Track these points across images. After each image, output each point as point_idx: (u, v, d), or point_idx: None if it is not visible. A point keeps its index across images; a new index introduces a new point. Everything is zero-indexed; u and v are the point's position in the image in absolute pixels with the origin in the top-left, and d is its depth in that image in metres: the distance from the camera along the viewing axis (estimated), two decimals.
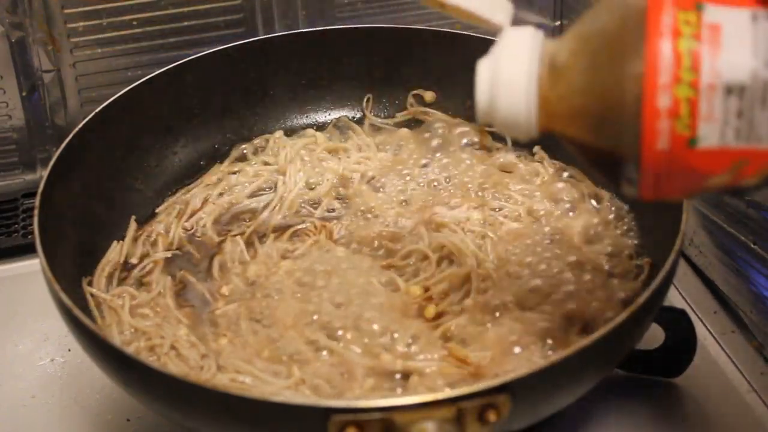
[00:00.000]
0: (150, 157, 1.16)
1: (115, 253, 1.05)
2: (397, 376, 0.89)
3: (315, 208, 1.12)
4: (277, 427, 0.76)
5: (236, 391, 0.77)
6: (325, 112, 1.28)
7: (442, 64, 1.25)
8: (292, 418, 0.74)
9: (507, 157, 1.19)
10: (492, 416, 0.72)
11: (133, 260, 1.05)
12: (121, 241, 1.07)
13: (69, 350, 1.08)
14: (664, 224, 0.93)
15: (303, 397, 0.85)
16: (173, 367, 0.90)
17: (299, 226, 1.09)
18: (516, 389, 0.73)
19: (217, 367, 0.90)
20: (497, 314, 0.95)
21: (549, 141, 1.16)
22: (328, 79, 1.27)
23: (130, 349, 0.90)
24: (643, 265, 0.99)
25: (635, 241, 1.03)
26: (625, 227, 1.05)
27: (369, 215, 1.10)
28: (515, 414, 0.74)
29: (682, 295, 1.14)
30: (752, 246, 1.06)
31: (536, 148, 1.18)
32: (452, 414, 0.71)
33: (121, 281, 1.02)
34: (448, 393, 0.72)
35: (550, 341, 0.92)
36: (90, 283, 1.00)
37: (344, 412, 0.72)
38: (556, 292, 0.97)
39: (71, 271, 0.98)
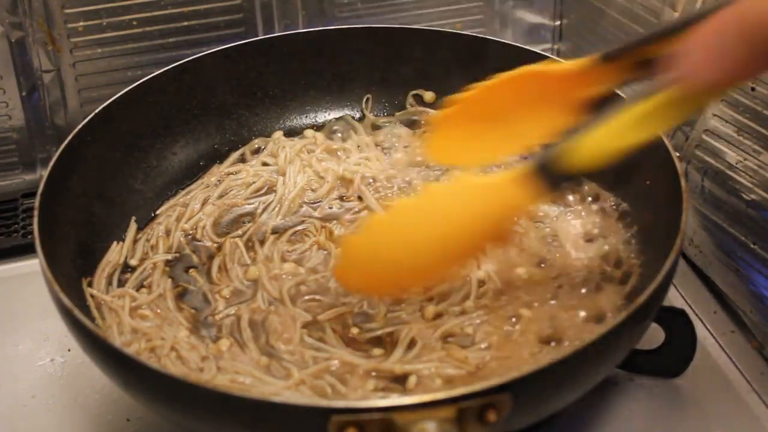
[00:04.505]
0: (150, 158, 1.16)
1: (114, 254, 1.05)
2: (397, 377, 0.89)
3: (315, 209, 1.12)
4: (277, 427, 0.76)
5: (236, 392, 0.77)
6: (325, 112, 1.28)
7: (442, 63, 1.25)
8: (292, 419, 0.74)
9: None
10: (492, 416, 0.72)
11: (133, 262, 1.05)
12: (121, 243, 1.06)
13: (69, 350, 1.08)
14: (664, 224, 0.93)
15: (303, 398, 0.85)
16: (173, 368, 0.90)
17: (299, 227, 1.09)
18: (516, 389, 0.73)
19: (217, 368, 0.90)
20: (497, 315, 0.95)
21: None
22: (328, 80, 1.28)
23: (130, 351, 0.90)
24: (642, 264, 0.99)
25: (635, 241, 1.03)
26: (624, 227, 1.05)
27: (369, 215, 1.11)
28: (515, 414, 0.74)
29: (682, 295, 1.14)
30: (752, 246, 1.06)
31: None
32: (452, 414, 0.71)
33: (121, 282, 1.02)
34: (448, 393, 0.72)
35: (549, 341, 0.92)
36: (90, 284, 1.00)
37: (344, 412, 0.72)
38: (556, 292, 0.97)
39: (71, 272, 0.98)
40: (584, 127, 0.78)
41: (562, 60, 0.94)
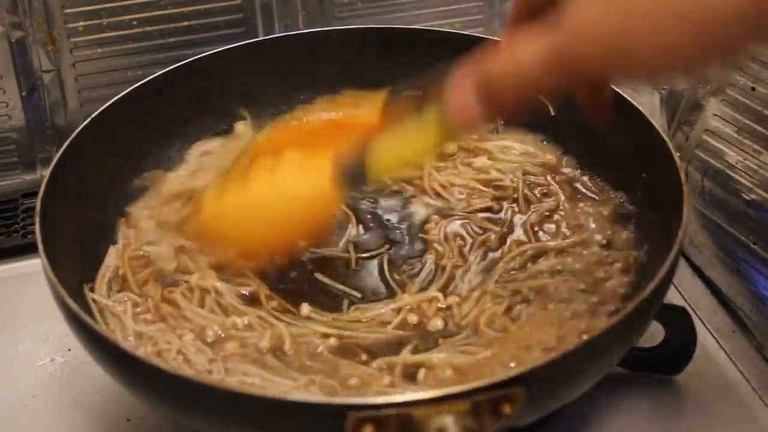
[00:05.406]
0: (146, 163, 1.16)
1: (113, 258, 1.03)
2: (408, 370, 0.89)
3: None
4: (293, 426, 0.75)
5: (253, 391, 0.76)
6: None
7: (439, 63, 1.24)
8: (308, 417, 0.74)
9: None
10: (507, 408, 0.72)
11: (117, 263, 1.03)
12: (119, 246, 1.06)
13: (69, 350, 1.07)
14: (665, 222, 0.93)
15: (319, 396, 0.85)
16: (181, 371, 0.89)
17: None
18: (530, 381, 0.74)
19: (225, 370, 0.89)
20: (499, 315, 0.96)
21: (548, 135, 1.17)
22: (319, 81, 1.26)
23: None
24: (642, 263, 0.99)
25: (635, 240, 1.03)
26: (624, 223, 1.05)
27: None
28: (527, 407, 0.74)
29: (682, 294, 1.14)
30: (752, 246, 1.07)
31: None
32: (468, 407, 0.71)
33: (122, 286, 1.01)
34: (464, 386, 0.72)
35: (549, 338, 0.92)
36: (92, 290, 0.98)
37: (361, 408, 0.71)
38: (555, 290, 0.98)
39: (72, 276, 0.96)
40: (380, 139, 0.87)
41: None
